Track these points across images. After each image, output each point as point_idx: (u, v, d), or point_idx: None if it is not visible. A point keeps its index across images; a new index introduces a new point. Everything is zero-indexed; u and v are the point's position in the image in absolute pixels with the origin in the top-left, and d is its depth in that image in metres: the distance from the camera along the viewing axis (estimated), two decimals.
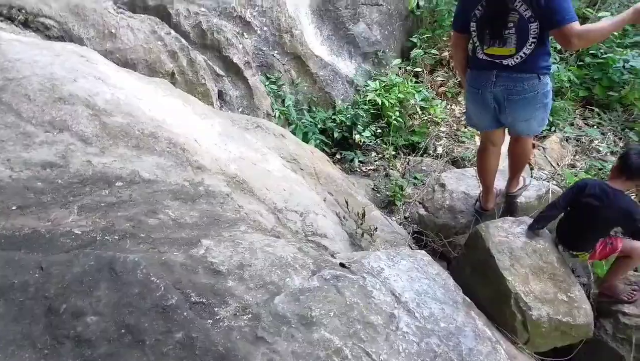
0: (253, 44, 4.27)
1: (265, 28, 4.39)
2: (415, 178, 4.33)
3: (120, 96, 2.38)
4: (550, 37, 2.50)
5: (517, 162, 2.94)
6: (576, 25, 2.28)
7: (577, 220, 2.56)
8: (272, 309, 1.59)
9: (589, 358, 2.60)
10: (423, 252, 2.16)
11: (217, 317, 1.48)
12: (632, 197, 2.77)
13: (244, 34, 4.19)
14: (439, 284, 1.98)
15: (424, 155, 4.77)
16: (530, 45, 2.44)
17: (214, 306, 1.50)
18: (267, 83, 4.27)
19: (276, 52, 4.42)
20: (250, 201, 2.39)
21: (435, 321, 1.76)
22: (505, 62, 2.52)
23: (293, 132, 4.08)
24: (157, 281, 1.48)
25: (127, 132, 2.17)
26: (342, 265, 1.93)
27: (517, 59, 2.48)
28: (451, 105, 5.49)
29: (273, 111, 4.14)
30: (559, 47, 5.48)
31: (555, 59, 5.33)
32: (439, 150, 4.87)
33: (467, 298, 2.15)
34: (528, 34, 2.42)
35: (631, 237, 2.51)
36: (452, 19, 5.71)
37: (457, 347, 1.69)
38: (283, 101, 4.37)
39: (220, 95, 3.92)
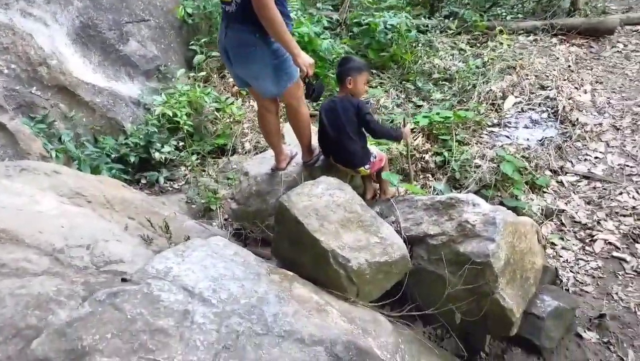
0: (2, 85, 3.72)
1: (12, 65, 3.86)
2: (228, 178, 4.20)
3: None
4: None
5: (295, 128, 2.96)
6: None
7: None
8: (29, 357, 1.30)
9: (417, 289, 2.70)
10: (218, 237, 2.02)
11: None
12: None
13: None
14: (238, 263, 1.86)
15: (234, 155, 4.67)
16: None
17: None
18: (32, 124, 3.76)
19: (34, 88, 3.92)
20: (11, 250, 2.01)
21: (235, 301, 1.63)
22: (227, 8, 2.46)
23: (79, 168, 3.66)
24: None
25: None
26: (123, 279, 1.70)
27: (233, 7, 2.41)
28: (248, 102, 5.47)
29: (48, 152, 3.65)
30: (326, 23, 5.82)
31: (328, 35, 5.62)
32: (247, 145, 4.81)
33: (284, 271, 2.07)
34: None
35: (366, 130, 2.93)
36: None
37: (261, 317, 1.57)
38: (60, 139, 3.90)
39: None
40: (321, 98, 3.14)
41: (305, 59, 2.49)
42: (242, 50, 2.49)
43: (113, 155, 4.20)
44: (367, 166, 2.97)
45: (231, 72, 2.76)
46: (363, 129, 2.91)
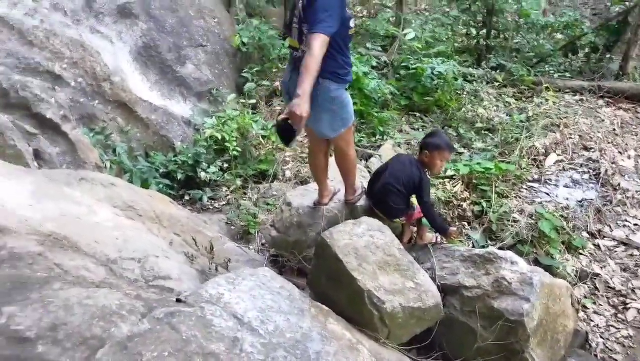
0: (68, 97, 3.97)
1: (79, 79, 4.12)
2: (267, 204, 4.33)
3: None
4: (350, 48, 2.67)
5: (341, 168, 3.08)
6: (317, 38, 2.29)
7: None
8: None
9: (446, 337, 2.74)
10: (266, 268, 2.12)
11: None
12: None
13: (56, 87, 3.89)
14: (284, 296, 1.94)
15: (274, 181, 4.81)
16: (306, 44, 2.45)
17: None
18: (91, 135, 3.98)
19: (97, 101, 4.17)
20: (72, 257, 2.15)
21: (281, 334, 1.71)
22: (295, 54, 2.63)
23: (130, 180, 3.84)
24: None
25: None
26: (178, 300, 1.81)
27: (299, 53, 2.57)
28: None
29: (103, 162, 3.86)
30: (374, 63, 6.00)
31: (375, 75, 5.78)
32: (287, 173, 4.95)
33: (318, 304, 2.15)
34: (303, 32, 2.53)
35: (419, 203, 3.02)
36: (276, 52, 5.97)
37: (305, 353, 1.65)
38: (114, 151, 4.11)
39: (38, 154, 3.56)
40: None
41: (304, 108, 2.33)
42: None
43: (161, 170, 4.38)
44: (402, 218, 3.07)
45: None
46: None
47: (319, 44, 2.29)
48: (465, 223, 3.95)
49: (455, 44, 7.06)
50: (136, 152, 4.33)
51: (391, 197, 2.95)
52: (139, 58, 5.07)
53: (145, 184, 3.96)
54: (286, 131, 2.44)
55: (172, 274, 2.48)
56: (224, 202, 4.51)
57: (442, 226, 2.99)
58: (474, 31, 7.10)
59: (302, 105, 2.30)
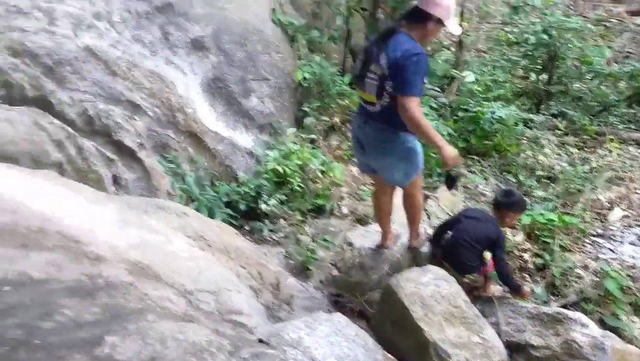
0: (145, 126, 4.20)
1: (156, 109, 4.35)
2: (325, 240, 4.39)
3: (2, 193, 2.20)
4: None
5: (408, 213, 3.13)
6: (411, 101, 2.50)
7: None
8: None
9: None
10: (339, 314, 2.17)
11: None
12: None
13: (135, 116, 4.12)
14: (359, 344, 1.98)
15: (331, 217, 4.88)
16: (386, 99, 2.64)
17: None
18: (164, 163, 4.18)
19: (170, 131, 4.38)
20: (156, 287, 2.26)
21: None
22: (369, 108, 2.74)
23: (197, 209, 3.98)
24: None
25: (12, 230, 1.99)
26: (260, 340, 1.88)
27: (377, 108, 2.69)
28: (348, 167, 5.72)
29: (174, 190, 4.03)
30: (434, 104, 6.05)
31: (434, 116, 5.82)
32: (344, 210, 5.01)
33: (387, 355, 2.17)
34: (384, 89, 2.64)
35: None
36: (336, 88, 6.12)
37: None
38: (183, 179, 4.29)
39: (115, 179, 3.76)
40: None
41: (450, 151, 2.68)
42: (379, 145, 2.75)
43: (224, 200, 4.53)
44: (475, 275, 3.06)
45: (360, 160, 3.03)
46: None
47: (416, 105, 2.51)
48: (527, 276, 3.88)
49: (514, 88, 7.04)
50: (203, 181, 4.50)
51: (464, 254, 2.95)
52: (208, 89, 5.30)
53: (210, 213, 4.10)
54: (451, 178, 2.88)
55: (244, 309, 2.55)
56: (282, 235, 4.60)
57: (516, 284, 2.98)
58: (534, 76, 7.06)
59: (449, 151, 2.65)
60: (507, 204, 3.02)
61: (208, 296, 2.51)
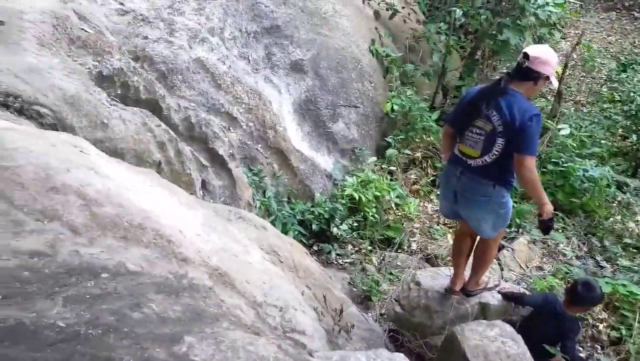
0: (238, 138, 4.45)
1: (250, 124, 4.60)
2: (390, 273, 4.40)
3: (110, 186, 2.45)
4: None
5: (477, 260, 3.13)
6: (532, 160, 2.65)
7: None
8: None
9: None
10: (402, 355, 2.19)
11: None
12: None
13: (230, 128, 4.39)
14: None
15: (399, 251, 4.88)
16: (492, 155, 2.71)
17: None
18: (249, 175, 4.40)
19: (260, 146, 4.61)
20: (231, 295, 2.40)
21: None
22: (470, 161, 2.77)
23: (273, 223, 4.15)
24: None
25: (115, 223, 2.21)
26: None
27: (479, 162, 2.75)
28: (424, 203, 5.70)
29: (254, 202, 4.23)
30: None
31: None
32: (413, 246, 4.99)
33: None
34: (494, 145, 2.69)
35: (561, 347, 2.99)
36: (423, 123, 6.15)
37: None
38: (264, 192, 4.49)
39: (204, 185, 4.02)
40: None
41: (550, 209, 2.85)
42: (474, 197, 2.80)
43: (298, 218, 4.67)
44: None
45: (447, 206, 3.06)
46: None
47: (534, 163, 2.69)
48: (598, 347, 3.67)
49: (612, 147, 6.69)
50: (281, 197, 4.68)
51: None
52: (298, 110, 5.52)
53: (284, 229, 4.25)
54: (547, 227, 2.96)
55: (307, 330, 2.64)
56: (349, 261, 4.67)
57: None
58: (635, 137, 6.68)
59: (549, 209, 2.84)
60: (586, 299, 2.98)
61: (275, 311, 2.63)
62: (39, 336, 1.55)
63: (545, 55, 2.69)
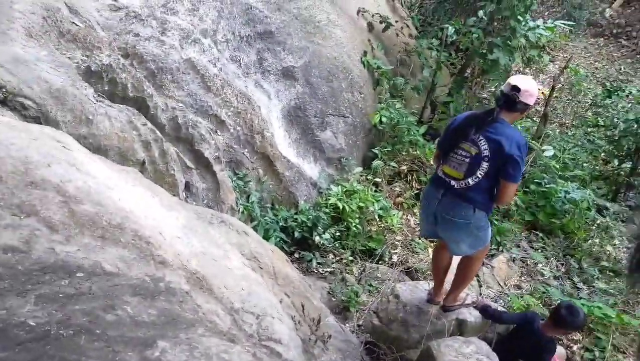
0: (225, 141, 4.43)
1: (238, 127, 4.58)
2: (370, 285, 4.40)
3: (91, 184, 2.41)
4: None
5: (458, 275, 3.17)
6: (514, 187, 2.86)
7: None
8: None
9: None
10: None
11: None
12: None
13: (218, 131, 4.37)
14: None
15: (380, 262, 4.88)
16: (475, 178, 2.77)
17: None
18: (234, 178, 4.38)
19: (246, 150, 4.59)
20: (208, 300, 2.37)
21: None
22: (452, 182, 2.82)
23: (255, 228, 4.12)
24: None
25: (94, 222, 2.18)
26: None
27: (462, 184, 2.79)
28: (407, 216, 5.72)
29: (237, 206, 4.21)
30: None
31: None
32: (394, 258, 5.00)
33: None
34: (478, 168, 2.75)
35: None
36: (410, 137, 6.19)
37: None
38: (248, 197, 4.47)
39: (188, 186, 3.98)
40: None
41: None
42: (453, 219, 2.85)
43: (280, 224, 4.65)
44: None
45: (427, 227, 3.11)
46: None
47: (514, 190, 2.91)
48: None
49: (594, 171, 6.80)
50: (265, 202, 4.66)
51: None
52: (287, 116, 5.51)
53: (266, 235, 4.22)
54: None
55: (283, 339, 2.60)
56: (329, 270, 4.65)
57: None
58: (616, 162, 6.80)
59: None
60: (569, 322, 3.01)
61: (252, 318, 2.59)
62: (8, 334, 1.51)
63: (532, 88, 2.81)
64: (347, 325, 3.84)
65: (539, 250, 5.23)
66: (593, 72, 10.60)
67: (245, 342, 2.30)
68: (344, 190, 5.27)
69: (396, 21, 7.16)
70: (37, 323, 1.59)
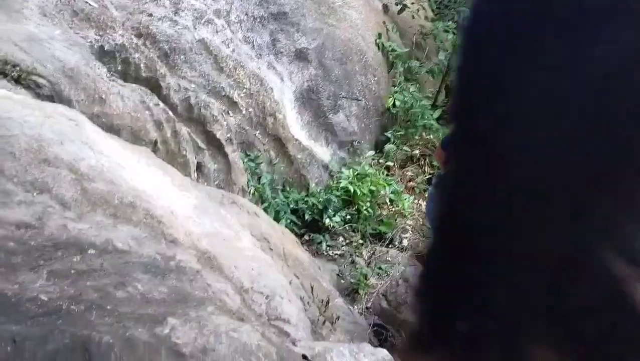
0: (237, 123, 4.43)
1: (250, 109, 4.57)
2: (380, 268, 4.40)
3: (104, 163, 2.43)
4: None
5: None
6: None
7: None
8: None
9: None
10: (385, 351, 2.19)
11: None
12: None
13: (230, 112, 4.36)
14: None
15: (390, 246, 4.88)
16: None
17: None
18: (245, 160, 4.39)
19: (258, 132, 4.59)
20: (218, 279, 2.40)
21: None
22: None
23: (265, 210, 4.14)
24: None
25: (106, 200, 2.20)
26: (304, 356, 1.94)
27: None
28: (418, 200, 5.69)
29: (248, 187, 4.22)
30: None
31: None
32: (405, 242, 4.99)
33: None
34: None
35: None
36: (424, 121, 6.13)
37: None
38: (259, 179, 4.48)
39: (199, 167, 4.00)
40: None
41: None
42: None
43: (291, 207, 4.67)
44: None
45: None
46: None
47: None
48: None
49: None
50: (276, 184, 4.66)
51: None
52: (299, 98, 5.49)
53: (277, 217, 4.24)
54: None
55: (292, 319, 2.64)
56: (339, 252, 4.67)
57: None
58: None
59: None
60: None
61: (261, 298, 2.63)
62: (21, 308, 1.54)
63: None
64: (356, 307, 3.86)
65: None
66: None
67: (254, 321, 2.32)
68: (356, 173, 5.25)
69: (412, 3, 7.04)
70: (49, 298, 1.62)
